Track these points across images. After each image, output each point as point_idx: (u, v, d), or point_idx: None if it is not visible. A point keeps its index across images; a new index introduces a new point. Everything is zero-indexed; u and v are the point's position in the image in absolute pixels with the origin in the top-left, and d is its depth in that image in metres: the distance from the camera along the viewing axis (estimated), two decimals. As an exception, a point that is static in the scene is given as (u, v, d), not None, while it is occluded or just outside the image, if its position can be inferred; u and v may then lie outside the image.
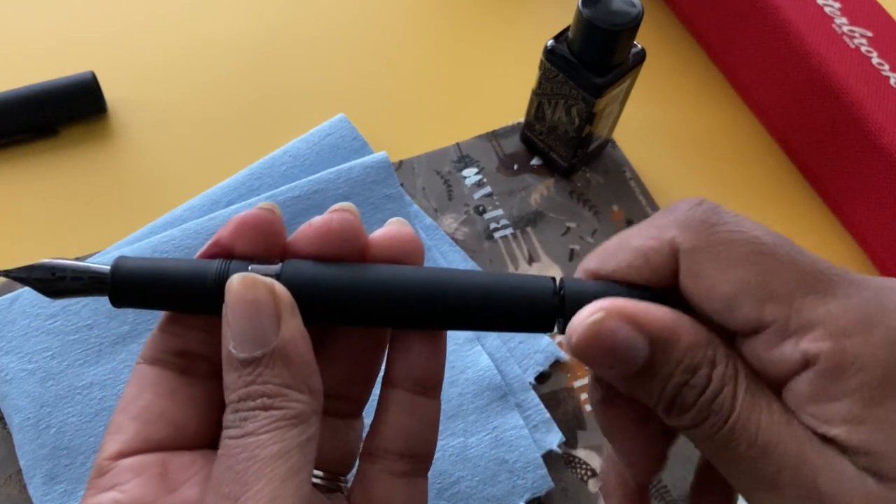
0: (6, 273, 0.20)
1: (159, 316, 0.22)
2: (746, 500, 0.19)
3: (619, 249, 0.21)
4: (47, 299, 0.37)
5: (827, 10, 0.46)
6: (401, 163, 0.46)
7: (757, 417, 0.18)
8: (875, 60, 0.44)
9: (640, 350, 0.18)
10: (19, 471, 0.35)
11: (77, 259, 0.41)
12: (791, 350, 0.18)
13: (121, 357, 0.37)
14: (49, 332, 0.37)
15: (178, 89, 0.48)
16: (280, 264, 0.20)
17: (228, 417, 0.19)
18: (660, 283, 0.20)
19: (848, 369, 0.17)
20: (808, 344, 0.18)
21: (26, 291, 0.38)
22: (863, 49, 0.44)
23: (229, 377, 0.19)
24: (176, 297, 0.20)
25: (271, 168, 0.43)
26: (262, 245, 0.21)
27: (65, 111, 0.45)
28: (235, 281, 0.19)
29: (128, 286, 0.20)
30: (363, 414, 0.25)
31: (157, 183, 0.45)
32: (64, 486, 0.34)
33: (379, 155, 0.43)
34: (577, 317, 0.19)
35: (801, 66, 0.45)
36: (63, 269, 0.20)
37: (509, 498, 0.36)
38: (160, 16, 0.51)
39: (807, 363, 0.18)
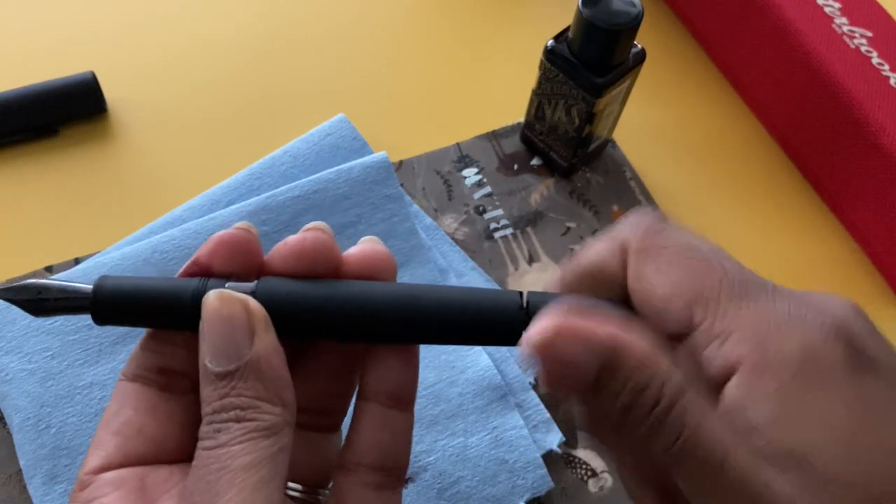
0: None
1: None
2: None
3: (579, 259, 0.22)
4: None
5: (827, 10, 0.46)
6: (401, 163, 0.46)
7: (709, 429, 0.18)
8: (875, 60, 0.44)
9: (588, 368, 0.18)
10: (19, 471, 0.35)
11: (77, 259, 0.41)
12: (715, 353, 0.19)
13: (121, 357, 0.37)
14: (49, 331, 0.37)
15: (178, 89, 0.48)
16: (255, 282, 0.21)
17: (203, 429, 0.19)
18: (616, 289, 0.21)
19: (766, 369, 0.18)
20: (731, 347, 0.19)
21: (26, 291, 0.38)
22: (863, 49, 0.44)
23: (205, 391, 0.20)
24: (156, 314, 0.21)
25: (271, 168, 0.43)
26: (239, 263, 0.22)
27: (65, 111, 0.45)
28: (211, 297, 0.20)
29: (109, 305, 0.21)
30: (342, 427, 0.25)
31: (157, 183, 0.45)
32: (64, 485, 0.34)
33: (379, 155, 0.43)
34: (528, 331, 0.19)
35: (801, 66, 0.45)
36: (48, 289, 0.21)
37: (509, 498, 0.36)
38: (160, 16, 0.51)
39: (730, 368, 0.19)
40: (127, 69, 0.48)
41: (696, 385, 0.19)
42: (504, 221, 0.45)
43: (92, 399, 0.36)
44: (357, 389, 0.23)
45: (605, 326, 0.18)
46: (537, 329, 0.19)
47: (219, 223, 0.40)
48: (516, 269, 0.43)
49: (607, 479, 0.38)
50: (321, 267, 0.22)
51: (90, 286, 0.21)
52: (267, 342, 0.20)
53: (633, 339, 0.18)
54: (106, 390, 0.36)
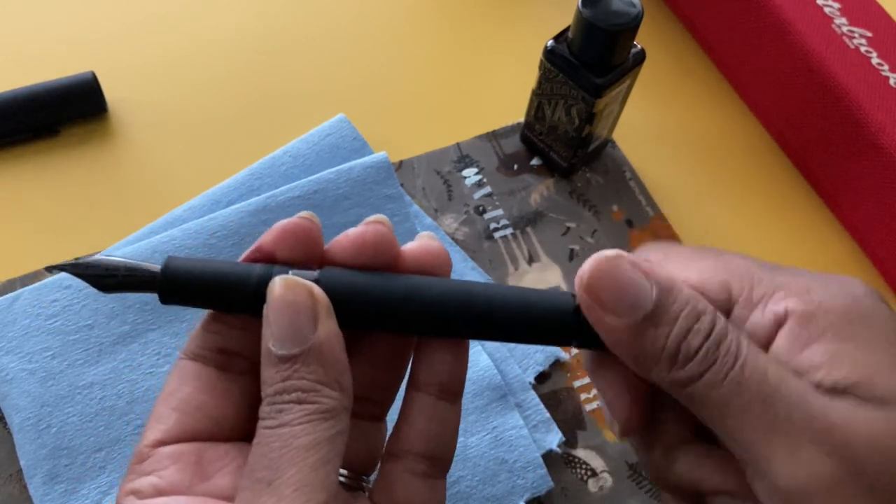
0: (60, 267, 0.22)
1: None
2: (752, 451, 0.19)
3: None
4: (48, 299, 0.37)
5: (827, 10, 0.46)
6: (401, 163, 0.46)
7: (764, 360, 0.19)
8: (875, 60, 0.44)
9: (648, 293, 0.19)
10: (20, 470, 0.35)
11: (77, 259, 0.41)
12: (760, 316, 0.20)
13: (121, 357, 0.37)
14: (49, 331, 0.37)
15: (178, 89, 0.48)
16: (318, 270, 0.22)
17: (265, 409, 0.20)
18: None
19: (816, 313, 0.19)
20: (776, 304, 0.20)
21: (27, 291, 0.38)
22: (862, 49, 0.44)
23: (267, 372, 0.20)
24: (220, 297, 0.22)
25: (271, 168, 0.43)
26: (301, 251, 0.22)
27: (65, 111, 0.45)
28: (278, 283, 0.20)
29: (176, 285, 0.21)
30: (386, 418, 0.26)
31: (157, 183, 0.45)
32: (64, 485, 0.35)
33: (379, 155, 0.43)
34: (588, 260, 0.20)
35: (801, 67, 0.45)
36: (116, 267, 0.21)
37: (509, 498, 0.36)
38: (160, 16, 0.51)
39: (779, 322, 0.20)
40: (127, 69, 0.48)
41: (744, 330, 0.20)
42: (504, 221, 0.45)
43: (92, 399, 0.36)
44: (408, 379, 0.24)
45: (660, 268, 0.20)
46: (599, 254, 0.20)
47: (219, 223, 0.40)
48: (516, 269, 0.43)
49: (607, 479, 0.38)
50: (380, 259, 0.22)
51: (157, 265, 0.21)
52: (329, 328, 0.20)
53: (684, 284, 0.20)
54: (106, 390, 0.36)
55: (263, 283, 0.21)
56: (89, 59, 0.48)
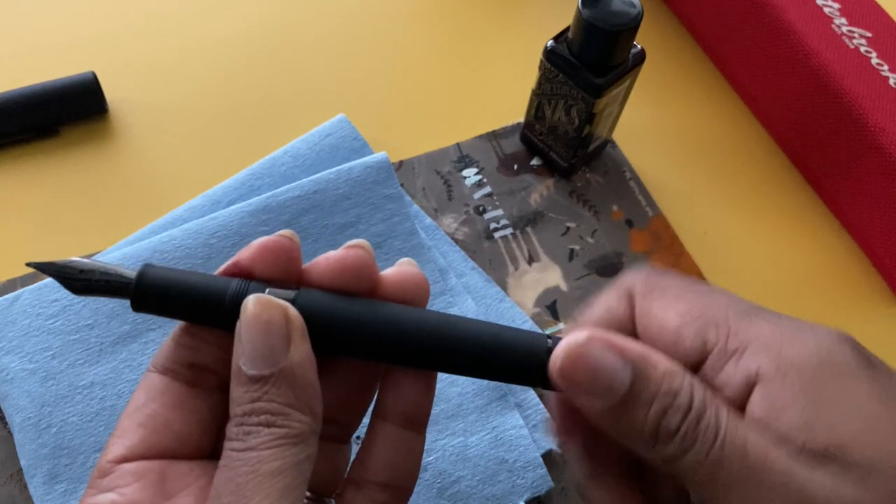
0: (36, 265, 0.21)
1: (167, 320, 0.22)
2: None
3: (590, 312, 0.23)
4: (48, 299, 0.37)
5: (826, 10, 0.46)
6: (401, 163, 0.46)
7: (743, 432, 0.19)
8: (874, 60, 0.44)
9: (623, 375, 0.19)
10: (20, 470, 0.35)
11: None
12: (733, 371, 0.20)
13: (121, 357, 0.37)
14: (50, 331, 0.37)
15: (178, 89, 0.48)
16: (295, 291, 0.21)
17: (232, 430, 0.20)
18: (621, 330, 0.22)
19: (788, 374, 0.19)
20: (748, 361, 0.20)
21: (27, 291, 0.38)
22: (862, 49, 0.44)
23: (236, 391, 0.20)
24: (194, 309, 0.21)
25: (271, 168, 0.43)
26: (279, 270, 0.22)
27: (66, 111, 0.45)
28: (251, 301, 0.20)
29: (149, 294, 0.21)
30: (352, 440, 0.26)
31: (157, 183, 0.45)
32: (64, 485, 0.35)
33: (379, 155, 0.43)
34: (560, 345, 0.20)
35: (801, 67, 0.45)
36: (91, 270, 0.21)
37: (509, 497, 0.36)
38: (161, 16, 0.51)
39: (750, 382, 0.19)
40: (128, 69, 0.48)
41: (723, 399, 0.20)
42: (504, 221, 0.45)
43: (92, 399, 0.36)
44: (374, 407, 0.23)
45: (633, 342, 0.20)
46: (571, 337, 0.19)
47: (219, 223, 0.40)
48: (516, 269, 0.43)
49: (607, 479, 0.38)
50: (359, 285, 0.22)
51: (133, 272, 0.21)
52: (302, 351, 0.20)
53: (659, 354, 0.20)
54: (106, 390, 0.36)
55: (239, 298, 0.20)
56: (89, 59, 0.48)
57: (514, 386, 0.38)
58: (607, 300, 0.23)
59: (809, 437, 0.18)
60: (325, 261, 0.22)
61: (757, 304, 0.21)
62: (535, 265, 0.43)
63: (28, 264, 0.21)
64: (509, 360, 0.21)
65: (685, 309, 0.21)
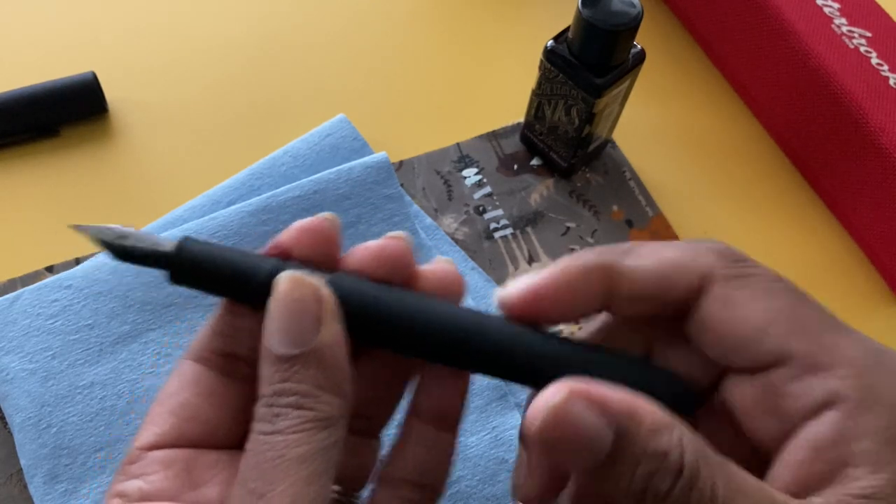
0: (78, 227, 0.21)
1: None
2: None
3: (651, 255, 0.21)
4: (48, 299, 0.37)
5: (826, 10, 0.46)
6: (401, 163, 0.46)
7: (743, 497, 0.17)
8: (874, 60, 0.44)
9: (604, 435, 0.17)
10: (20, 470, 0.35)
11: (77, 259, 0.41)
12: (818, 385, 0.18)
13: (121, 357, 0.37)
14: (50, 331, 0.37)
15: (178, 89, 0.48)
16: (330, 273, 0.21)
17: (261, 410, 0.19)
18: (669, 299, 0.20)
19: (873, 407, 0.18)
20: (835, 381, 0.18)
21: (27, 291, 0.38)
22: (862, 49, 0.44)
23: (265, 370, 0.19)
24: (229, 285, 0.21)
25: (272, 168, 0.43)
26: (318, 251, 0.22)
27: (66, 111, 0.45)
28: (284, 277, 0.20)
29: (187, 267, 0.21)
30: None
31: (157, 183, 0.45)
32: (65, 485, 0.35)
33: (379, 155, 0.43)
34: (537, 400, 0.18)
35: (801, 67, 0.45)
36: (129, 236, 0.21)
37: (509, 497, 0.36)
38: (161, 16, 0.51)
39: (830, 402, 0.18)
40: (127, 69, 0.48)
41: (715, 452, 0.18)
42: (504, 221, 0.45)
43: (93, 399, 0.36)
44: (409, 405, 0.23)
45: (617, 392, 0.18)
46: (548, 394, 0.18)
47: (219, 223, 0.40)
48: (516, 269, 0.43)
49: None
50: (397, 275, 0.22)
51: (172, 244, 0.21)
52: (333, 332, 0.20)
53: (647, 404, 0.18)
54: (106, 390, 0.36)
55: (273, 276, 0.20)
56: (89, 59, 0.48)
57: (514, 386, 0.38)
58: (677, 260, 0.20)
59: (875, 475, 0.17)
60: (363, 248, 0.22)
61: (842, 320, 0.20)
62: (535, 265, 0.43)
63: (71, 226, 0.21)
64: (546, 370, 0.21)
65: (776, 307, 0.19)
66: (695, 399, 0.21)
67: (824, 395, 0.18)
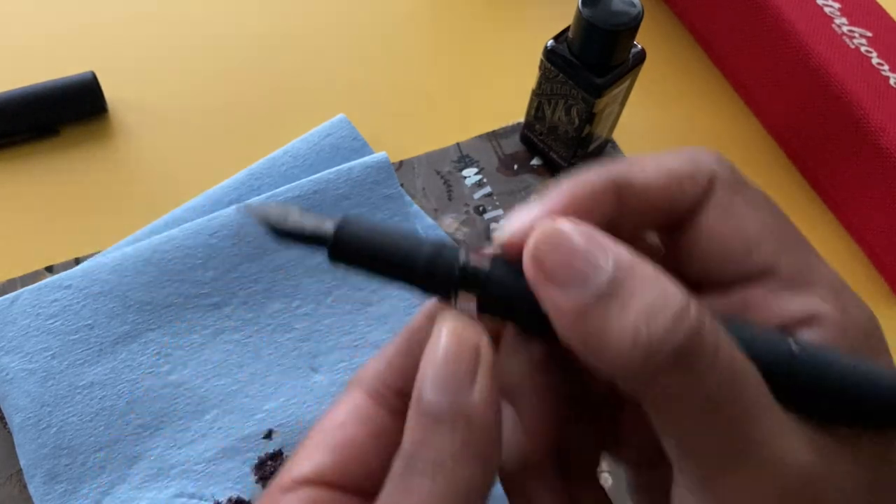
0: (246, 206, 0.20)
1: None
2: (697, 470, 0.16)
3: (656, 166, 0.19)
4: (48, 299, 0.37)
5: (827, 10, 0.46)
6: (401, 163, 0.46)
7: (743, 365, 0.16)
8: (875, 60, 0.44)
9: (604, 266, 0.16)
10: (20, 470, 0.35)
11: (77, 259, 0.41)
12: (795, 304, 0.18)
13: (121, 357, 0.37)
14: (49, 331, 0.37)
15: (178, 89, 0.48)
16: (491, 259, 0.19)
17: (397, 464, 0.17)
18: (676, 209, 0.19)
19: (849, 330, 0.17)
20: (815, 301, 0.17)
21: (27, 291, 0.38)
22: (862, 49, 0.44)
23: (411, 418, 0.18)
24: (386, 265, 0.20)
25: (271, 168, 0.43)
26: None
27: (65, 111, 0.45)
28: (446, 329, 0.18)
29: (345, 246, 0.20)
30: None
31: (157, 183, 0.45)
32: (64, 485, 0.35)
33: (379, 155, 0.43)
34: (537, 227, 0.17)
35: (801, 66, 0.45)
36: (290, 216, 0.20)
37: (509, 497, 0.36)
38: (160, 16, 0.51)
39: (809, 320, 0.17)
40: (127, 69, 0.48)
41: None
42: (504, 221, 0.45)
43: (92, 399, 0.36)
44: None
45: (622, 243, 0.17)
46: (549, 222, 0.17)
47: (219, 223, 0.40)
48: (516, 269, 0.43)
49: (607, 479, 0.38)
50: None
51: (334, 221, 0.20)
52: (486, 391, 0.17)
53: (648, 261, 0.17)
54: (106, 390, 0.36)
55: (431, 263, 0.19)
56: (89, 59, 0.48)
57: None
58: (681, 169, 0.19)
59: None
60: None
61: None
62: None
63: (241, 206, 0.20)
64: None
65: (769, 221, 0.18)
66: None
67: (804, 313, 0.17)
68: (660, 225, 0.20)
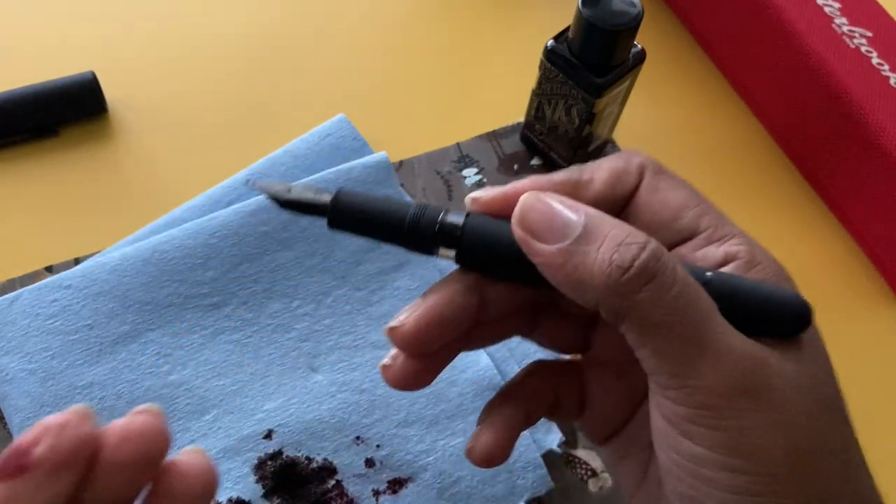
0: (252, 182, 0.24)
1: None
2: (671, 367, 0.20)
3: (600, 168, 0.24)
4: (48, 299, 0.37)
5: (827, 10, 0.46)
6: (401, 163, 0.46)
7: (695, 283, 0.20)
8: (875, 60, 0.44)
9: (576, 219, 0.20)
10: (19, 470, 0.35)
11: (77, 259, 0.41)
12: (715, 251, 0.23)
13: (121, 357, 0.37)
14: (49, 332, 0.37)
15: (178, 89, 0.48)
16: (465, 216, 0.22)
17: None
18: (620, 195, 0.24)
19: (757, 265, 0.22)
20: (730, 247, 0.23)
21: (26, 291, 0.38)
22: (863, 49, 0.44)
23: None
24: (379, 227, 0.23)
25: (271, 168, 0.43)
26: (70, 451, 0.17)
27: (65, 111, 0.45)
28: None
29: (342, 214, 0.23)
30: None
31: (157, 183, 0.45)
32: (64, 485, 0.35)
33: (379, 155, 0.43)
34: (521, 197, 0.21)
35: (801, 66, 0.45)
36: (291, 189, 0.23)
37: (509, 498, 0.36)
38: (160, 16, 0.51)
39: (726, 261, 0.22)
40: (127, 69, 0.48)
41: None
42: (504, 221, 0.45)
43: (92, 399, 0.36)
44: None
45: (587, 206, 0.21)
46: (532, 192, 0.21)
47: (219, 223, 0.40)
48: (516, 269, 0.43)
49: (607, 479, 0.38)
50: (146, 474, 0.18)
51: (331, 193, 0.23)
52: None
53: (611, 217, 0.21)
54: (106, 390, 0.36)
55: (415, 222, 0.22)
56: (89, 59, 0.48)
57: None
58: (616, 167, 0.24)
59: None
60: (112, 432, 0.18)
61: None
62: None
63: (248, 182, 0.23)
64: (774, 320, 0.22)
65: (688, 195, 0.24)
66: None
67: (722, 256, 0.22)
68: (610, 210, 0.23)
